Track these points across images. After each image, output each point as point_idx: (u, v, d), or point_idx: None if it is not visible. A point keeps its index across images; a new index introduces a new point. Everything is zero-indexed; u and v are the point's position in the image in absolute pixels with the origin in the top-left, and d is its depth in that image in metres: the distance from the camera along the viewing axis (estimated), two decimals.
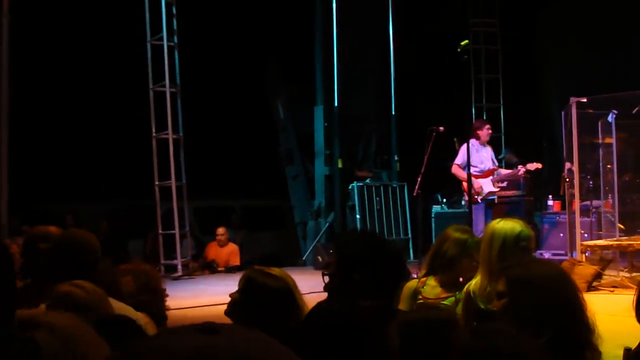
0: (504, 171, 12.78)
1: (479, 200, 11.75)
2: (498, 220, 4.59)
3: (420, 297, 4.83)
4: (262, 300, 3.31)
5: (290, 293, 3.39)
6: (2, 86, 12.49)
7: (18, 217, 13.92)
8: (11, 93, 12.57)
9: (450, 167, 12.02)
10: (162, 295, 4.46)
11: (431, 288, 4.87)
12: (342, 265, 3.46)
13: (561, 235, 13.20)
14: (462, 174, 11.30)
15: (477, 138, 12.19)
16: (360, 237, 3.64)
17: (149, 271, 4.43)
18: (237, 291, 3.50)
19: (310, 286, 10.16)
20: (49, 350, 1.61)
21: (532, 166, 12.18)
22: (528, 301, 2.91)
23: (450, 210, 15.24)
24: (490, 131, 12.45)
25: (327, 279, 3.45)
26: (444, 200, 15.67)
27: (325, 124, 16.59)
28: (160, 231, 14.29)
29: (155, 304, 4.22)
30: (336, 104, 16.26)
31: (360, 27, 16.62)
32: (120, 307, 3.58)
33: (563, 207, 13.15)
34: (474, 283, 4.36)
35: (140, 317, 3.61)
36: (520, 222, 4.53)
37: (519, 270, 3.06)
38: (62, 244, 3.98)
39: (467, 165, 9.46)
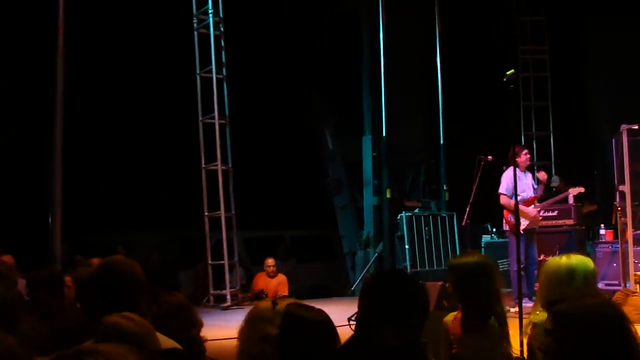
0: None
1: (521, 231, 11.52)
2: (566, 256, 4.46)
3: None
4: (302, 334, 3.31)
5: (329, 325, 3.39)
6: (57, 119, 12.73)
7: (66, 246, 14.07)
8: (65, 125, 12.81)
9: (498, 196, 11.86)
10: (198, 327, 4.50)
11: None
12: (371, 311, 3.45)
13: (614, 265, 12.96)
14: (512, 204, 11.10)
15: (516, 165, 11.98)
16: (387, 282, 3.61)
17: (186, 303, 4.47)
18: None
19: None
20: None
21: (575, 191, 12.01)
22: (574, 340, 2.66)
23: (500, 240, 15.08)
24: (528, 156, 12.12)
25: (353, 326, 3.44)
26: (494, 229, 15.52)
27: (374, 154, 16.58)
28: (209, 262, 14.38)
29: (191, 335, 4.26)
30: (384, 134, 16.25)
31: (407, 57, 16.64)
32: (164, 341, 3.61)
33: (616, 237, 12.91)
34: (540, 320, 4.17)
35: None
36: (586, 257, 4.45)
37: (566, 305, 2.78)
38: (102, 272, 4.00)
39: (515, 193, 9.30)
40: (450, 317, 4.72)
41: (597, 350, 2.63)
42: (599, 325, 2.68)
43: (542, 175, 12.26)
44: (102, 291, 3.89)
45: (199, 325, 4.55)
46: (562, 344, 2.69)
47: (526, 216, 11.33)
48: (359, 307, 3.51)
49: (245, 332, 3.59)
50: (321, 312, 3.42)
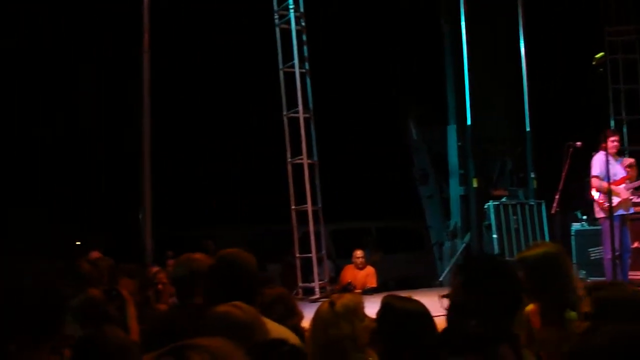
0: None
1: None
2: None
3: None
4: (401, 324, 3.31)
5: (426, 314, 3.39)
6: (145, 118, 13.00)
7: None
8: (153, 122, 13.07)
9: (589, 182, 11.59)
10: (299, 317, 4.55)
11: None
12: (465, 291, 3.41)
13: None
14: (605, 186, 10.78)
15: (605, 150, 11.64)
16: (484, 264, 3.57)
17: (286, 294, 4.52)
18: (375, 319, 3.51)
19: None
20: None
21: None
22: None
23: (591, 227, 14.75)
24: (615, 143, 11.69)
25: (445, 302, 3.41)
26: (584, 217, 15.20)
27: (459, 143, 16.43)
28: (297, 255, 14.49)
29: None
30: (469, 123, 16.08)
31: (490, 43, 16.43)
32: (275, 327, 3.67)
33: None
34: None
35: (291, 338, 3.68)
36: None
37: (607, 291, 2.85)
38: (220, 265, 4.04)
39: (607, 176, 9.01)
40: (530, 307, 4.65)
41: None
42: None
43: (629, 160, 11.92)
44: (220, 284, 3.93)
45: (299, 316, 4.60)
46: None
47: (617, 195, 11.04)
48: (452, 291, 3.48)
49: (312, 337, 3.62)
50: (418, 303, 3.43)
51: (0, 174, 16.94)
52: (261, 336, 3.20)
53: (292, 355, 2.89)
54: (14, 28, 17.48)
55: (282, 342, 2.97)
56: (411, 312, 3.36)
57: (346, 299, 3.72)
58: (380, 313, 3.45)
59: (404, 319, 3.33)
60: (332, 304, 3.66)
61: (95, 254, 8.79)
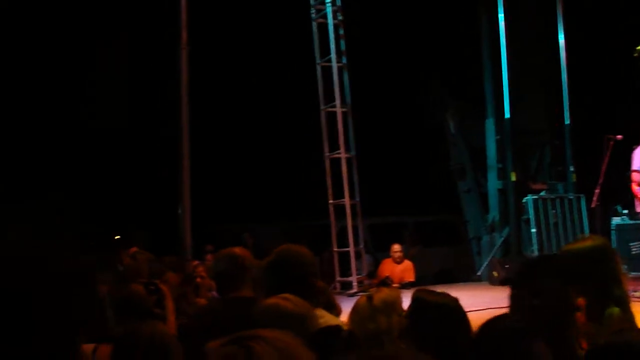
0: None
1: None
2: None
3: None
4: (432, 319, 3.31)
5: (458, 308, 3.39)
6: (183, 113, 13.11)
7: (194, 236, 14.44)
8: (191, 119, 13.17)
9: (630, 176, 11.47)
10: (338, 311, 4.59)
11: None
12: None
13: None
14: None
15: None
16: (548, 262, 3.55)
17: (324, 288, 4.56)
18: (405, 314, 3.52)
19: (486, 302, 10.02)
20: (267, 358, 1.83)
21: None
22: None
23: (632, 222, 14.58)
24: None
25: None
26: (625, 211, 15.03)
27: (497, 137, 16.34)
28: (335, 249, 14.53)
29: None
30: (507, 116, 15.99)
31: (528, 35, 16.30)
32: (329, 318, 3.70)
33: None
34: None
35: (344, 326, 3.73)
36: None
37: None
38: (279, 260, 4.08)
39: None
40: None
41: None
42: None
43: None
44: (279, 278, 3.96)
45: (337, 310, 4.64)
46: None
47: None
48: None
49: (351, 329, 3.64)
50: (449, 297, 3.43)
51: (41, 167, 17.18)
52: (312, 327, 3.23)
53: (350, 341, 2.92)
54: (52, 21, 17.70)
55: (339, 329, 3.00)
56: (442, 306, 3.36)
57: (384, 293, 3.73)
58: (410, 307, 3.45)
59: (434, 313, 3.33)
60: (370, 298, 3.68)
61: (133, 249, 8.90)
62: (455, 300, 3.43)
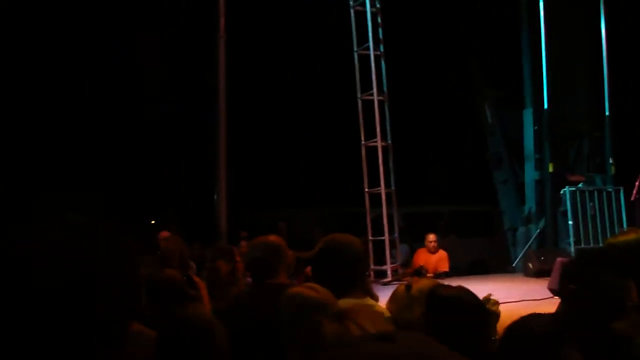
0: None
1: None
2: None
3: None
4: (450, 313, 3.28)
5: (474, 303, 3.34)
6: (220, 101, 13.17)
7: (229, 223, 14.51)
8: (229, 106, 13.23)
9: None
10: (375, 300, 4.59)
11: None
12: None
13: None
14: None
15: None
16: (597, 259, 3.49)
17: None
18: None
19: (521, 294, 9.98)
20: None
21: None
22: None
23: None
24: None
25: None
26: None
27: (535, 127, 16.20)
28: (370, 237, 14.52)
29: None
30: (546, 106, 15.84)
31: (569, 24, 16.11)
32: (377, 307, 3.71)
33: None
34: None
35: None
36: None
37: None
38: (327, 248, 4.08)
39: None
40: None
41: None
42: None
43: None
44: (327, 267, 3.96)
45: (375, 298, 4.64)
46: None
47: None
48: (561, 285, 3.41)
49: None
50: (465, 291, 3.39)
51: (78, 155, 17.36)
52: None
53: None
54: (86, 19, 17.87)
55: None
56: (457, 300, 3.32)
57: (422, 283, 3.72)
58: (426, 302, 3.42)
59: (449, 307, 3.30)
60: (408, 287, 3.66)
61: (164, 234, 8.94)
62: (472, 294, 3.39)
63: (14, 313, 1.21)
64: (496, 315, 3.51)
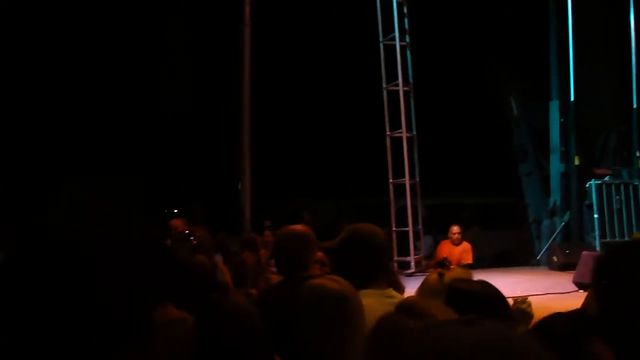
0: None
1: None
2: None
3: None
4: (470, 308, 3.25)
5: (494, 296, 3.32)
6: (245, 90, 13.19)
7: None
8: (252, 96, 13.25)
9: None
10: (402, 291, 4.59)
11: None
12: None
13: None
14: None
15: None
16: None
17: (390, 267, 4.55)
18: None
19: (546, 287, 9.94)
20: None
21: None
22: None
23: None
24: None
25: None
26: None
27: (561, 120, 16.10)
28: (394, 228, 14.50)
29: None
30: (572, 99, 15.73)
31: (596, 16, 15.97)
32: (401, 299, 3.71)
33: None
34: None
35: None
36: None
37: None
38: (350, 237, 4.07)
39: None
40: None
41: None
42: None
43: None
44: (350, 257, 3.94)
45: (402, 289, 4.63)
46: None
47: None
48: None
49: None
50: (486, 285, 3.36)
51: (103, 144, 17.47)
52: (356, 309, 3.23)
53: None
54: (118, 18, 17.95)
55: None
56: (477, 295, 3.29)
57: (455, 272, 3.70)
58: (446, 296, 3.39)
59: (469, 302, 3.27)
60: (441, 275, 3.65)
61: (176, 222, 8.96)
62: (493, 288, 3.37)
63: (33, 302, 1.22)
64: (529, 315, 3.49)
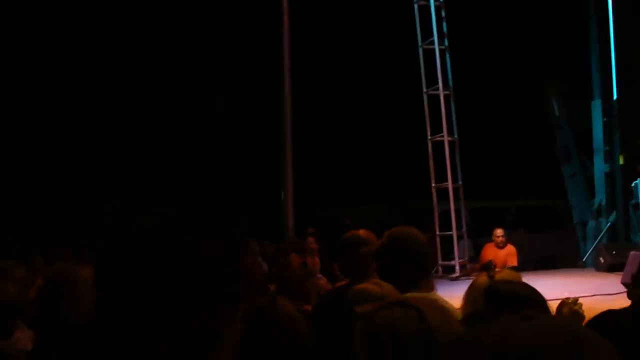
0: None
1: None
2: None
3: None
4: (508, 310, 3.24)
5: (536, 299, 3.31)
6: (286, 99, 13.28)
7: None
8: (294, 104, 13.34)
9: None
10: None
11: None
12: None
13: None
14: None
15: None
16: None
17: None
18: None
19: (593, 288, 9.84)
20: (433, 315, 1.94)
21: None
22: None
23: None
24: None
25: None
26: None
27: (604, 119, 15.95)
28: (437, 232, 14.48)
29: None
30: (615, 97, 15.58)
31: (638, 14, 15.81)
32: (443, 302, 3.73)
33: None
34: None
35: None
36: None
37: None
38: (391, 241, 4.07)
39: None
40: None
41: None
42: None
43: None
44: (391, 262, 3.95)
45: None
46: None
47: None
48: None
49: (465, 308, 3.62)
50: (526, 287, 3.36)
51: (147, 156, 17.69)
52: None
53: None
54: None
55: None
56: (516, 296, 3.28)
57: (506, 273, 3.70)
58: (484, 297, 3.39)
59: (508, 305, 3.26)
60: (491, 276, 3.66)
61: None
62: (533, 290, 3.36)
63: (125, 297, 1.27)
64: (581, 316, 3.49)
